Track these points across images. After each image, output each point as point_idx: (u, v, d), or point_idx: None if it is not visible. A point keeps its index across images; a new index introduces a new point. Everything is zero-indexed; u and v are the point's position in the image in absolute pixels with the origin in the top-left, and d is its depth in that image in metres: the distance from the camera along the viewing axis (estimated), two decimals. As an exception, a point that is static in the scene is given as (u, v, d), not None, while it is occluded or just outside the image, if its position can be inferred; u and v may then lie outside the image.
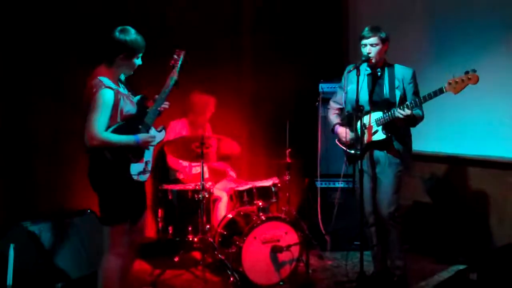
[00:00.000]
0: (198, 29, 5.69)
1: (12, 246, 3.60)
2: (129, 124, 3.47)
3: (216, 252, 4.68)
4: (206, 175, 5.29)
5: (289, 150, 5.21)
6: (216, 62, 5.73)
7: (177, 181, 5.29)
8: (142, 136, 3.50)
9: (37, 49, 4.82)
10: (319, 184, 5.54)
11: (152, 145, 3.62)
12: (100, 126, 3.31)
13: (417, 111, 4.10)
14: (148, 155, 3.61)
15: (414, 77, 4.22)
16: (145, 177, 3.60)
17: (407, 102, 4.03)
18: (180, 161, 5.30)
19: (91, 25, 4.88)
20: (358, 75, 3.98)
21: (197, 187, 4.77)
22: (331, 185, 5.48)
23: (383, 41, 4.14)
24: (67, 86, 4.73)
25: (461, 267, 4.47)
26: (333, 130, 4.46)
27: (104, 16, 4.99)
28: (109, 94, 3.34)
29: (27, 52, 4.79)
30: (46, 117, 4.93)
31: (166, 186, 4.99)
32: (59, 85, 4.88)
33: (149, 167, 3.63)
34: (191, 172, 5.37)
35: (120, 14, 5.11)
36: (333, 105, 4.54)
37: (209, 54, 5.73)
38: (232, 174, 5.56)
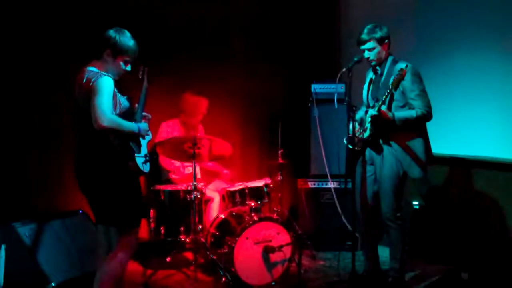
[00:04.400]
0: (190, 31, 5.69)
1: (3, 247, 3.58)
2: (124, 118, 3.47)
3: (208, 253, 4.68)
4: (199, 176, 5.28)
5: (281, 150, 5.22)
6: (208, 64, 5.73)
7: (169, 181, 5.29)
8: (142, 126, 3.52)
9: (24, 48, 4.82)
10: (311, 185, 5.55)
11: (148, 135, 3.64)
12: (107, 108, 3.27)
13: (402, 113, 4.00)
14: (144, 149, 3.61)
15: (409, 73, 3.92)
16: (147, 167, 3.59)
17: (375, 103, 3.98)
18: (173, 161, 5.29)
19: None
20: (350, 76, 4.00)
21: (189, 188, 4.77)
22: (323, 186, 5.49)
23: (381, 41, 4.06)
24: (61, 85, 4.71)
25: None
26: None
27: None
28: (109, 81, 3.34)
29: (17, 52, 4.79)
30: (38, 116, 4.91)
31: (158, 187, 4.99)
32: (52, 84, 4.86)
33: (148, 159, 3.61)
34: (184, 172, 5.37)
35: (113, 13, 5.10)
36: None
37: (201, 55, 5.74)
38: (227, 172, 5.56)
